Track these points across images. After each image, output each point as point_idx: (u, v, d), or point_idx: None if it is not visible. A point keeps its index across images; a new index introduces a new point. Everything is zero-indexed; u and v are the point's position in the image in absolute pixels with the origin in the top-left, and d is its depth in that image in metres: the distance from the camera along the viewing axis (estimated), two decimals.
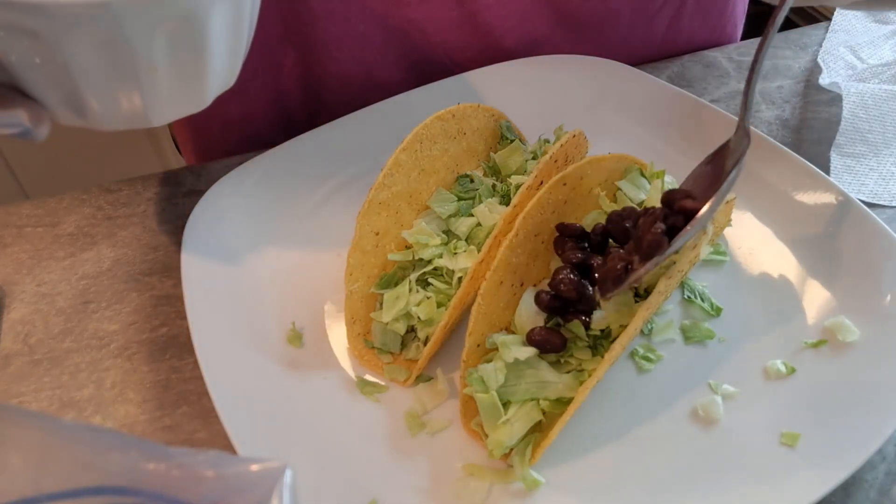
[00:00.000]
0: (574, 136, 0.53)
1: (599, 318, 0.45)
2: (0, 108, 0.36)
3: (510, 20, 0.67)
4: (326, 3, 0.63)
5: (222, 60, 0.41)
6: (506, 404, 0.42)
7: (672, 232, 0.42)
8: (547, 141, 0.57)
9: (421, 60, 0.68)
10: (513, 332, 0.45)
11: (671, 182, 0.52)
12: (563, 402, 0.43)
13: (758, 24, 0.84)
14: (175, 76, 0.39)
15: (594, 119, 0.63)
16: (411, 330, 0.49)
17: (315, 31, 0.65)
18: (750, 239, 0.54)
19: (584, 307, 0.44)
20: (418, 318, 0.48)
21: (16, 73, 0.36)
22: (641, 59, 0.72)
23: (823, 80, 0.68)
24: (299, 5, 0.63)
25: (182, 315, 0.52)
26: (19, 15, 0.33)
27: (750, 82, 0.46)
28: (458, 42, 0.67)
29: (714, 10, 0.75)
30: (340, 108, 0.63)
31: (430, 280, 0.49)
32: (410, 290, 0.48)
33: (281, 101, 0.71)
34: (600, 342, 0.45)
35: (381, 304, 0.49)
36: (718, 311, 0.50)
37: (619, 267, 0.42)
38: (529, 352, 0.43)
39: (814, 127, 0.65)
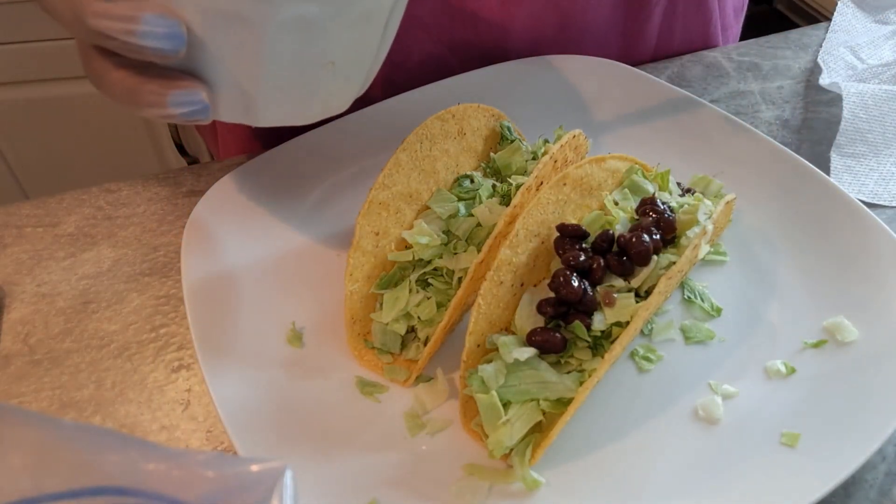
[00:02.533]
0: (574, 136, 0.53)
1: (600, 319, 0.45)
2: (178, 85, 0.37)
3: (512, 20, 0.67)
4: None
5: (377, 60, 0.42)
6: (506, 405, 0.42)
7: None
8: (547, 141, 0.57)
9: (425, 60, 0.68)
10: (513, 333, 0.45)
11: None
12: (563, 403, 0.43)
13: (758, 24, 0.84)
14: (345, 69, 0.40)
15: (594, 119, 0.63)
16: (411, 330, 0.49)
17: None
18: (750, 239, 0.54)
19: (585, 308, 0.44)
20: (418, 318, 0.48)
21: (202, 56, 0.37)
22: (639, 58, 0.72)
23: (823, 80, 0.68)
24: None
25: (182, 315, 0.52)
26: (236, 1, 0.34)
27: None
28: (461, 41, 0.67)
29: (703, 10, 0.75)
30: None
31: (430, 280, 0.49)
32: (410, 290, 0.48)
33: None
34: (600, 342, 0.45)
35: (381, 304, 0.49)
36: (718, 311, 0.50)
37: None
38: (529, 352, 0.43)
39: (814, 127, 0.65)
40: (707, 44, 0.76)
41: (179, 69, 0.38)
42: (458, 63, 0.68)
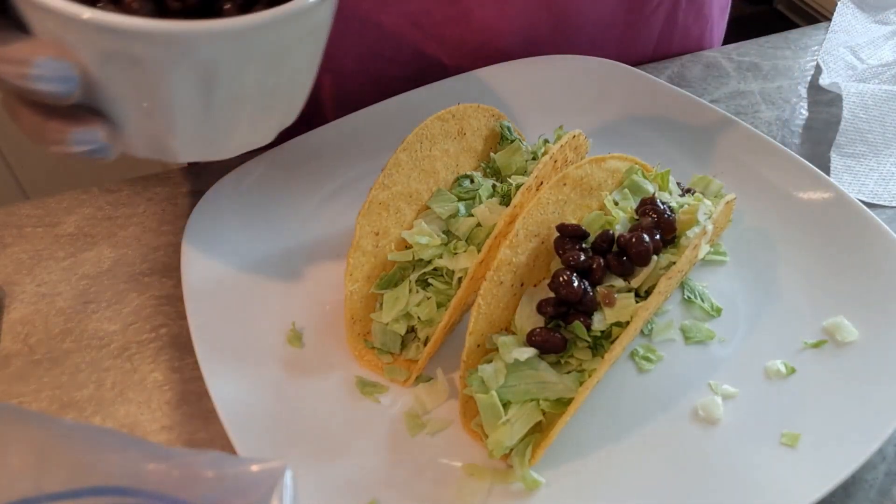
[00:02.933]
0: (574, 136, 0.53)
1: (600, 319, 0.45)
2: (79, 124, 0.37)
3: (504, 20, 0.67)
4: None
5: (295, 96, 0.41)
6: (506, 405, 0.42)
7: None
8: (547, 141, 0.57)
9: (417, 57, 0.68)
10: (513, 333, 0.45)
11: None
12: (563, 403, 0.43)
13: (758, 24, 0.84)
14: (257, 108, 0.39)
15: (594, 119, 0.63)
16: (411, 330, 0.49)
17: None
18: (750, 239, 0.54)
19: (585, 308, 0.44)
20: (418, 318, 0.48)
21: (103, 97, 0.37)
22: (636, 62, 0.72)
23: (823, 80, 0.68)
24: None
25: (182, 315, 0.52)
26: (127, 42, 0.34)
27: None
28: (453, 39, 0.67)
29: (703, 12, 0.75)
30: (337, 107, 0.63)
31: (430, 280, 0.49)
32: (410, 290, 0.48)
33: None
34: (600, 342, 0.45)
35: (381, 304, 0.49)
36: (718, 311, 0.50)
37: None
38: (529, 352, 0.43)
39: (814, 127, 0.65)
40: (701, 47, 0.76)
41: (86, 106, 0.37)
42: (452, 62, 0.68)
